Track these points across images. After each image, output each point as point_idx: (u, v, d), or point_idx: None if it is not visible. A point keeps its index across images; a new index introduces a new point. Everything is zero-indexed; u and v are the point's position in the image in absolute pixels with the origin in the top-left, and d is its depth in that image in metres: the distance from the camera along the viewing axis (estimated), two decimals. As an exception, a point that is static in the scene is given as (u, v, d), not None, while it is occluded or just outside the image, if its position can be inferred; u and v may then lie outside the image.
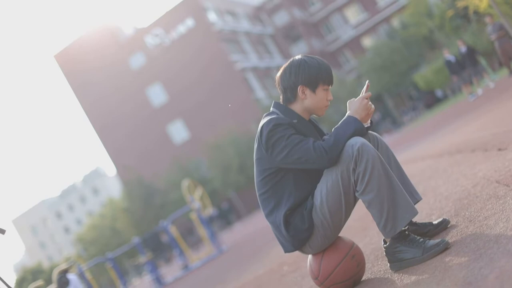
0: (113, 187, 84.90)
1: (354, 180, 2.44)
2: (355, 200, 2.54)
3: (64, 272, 9.43)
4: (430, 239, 2.46)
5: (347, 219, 2.57)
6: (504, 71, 17.78)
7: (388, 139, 25.62)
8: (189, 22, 45.36)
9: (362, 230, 4.23)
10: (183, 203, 33.08)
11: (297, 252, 3.35)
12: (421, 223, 2.78)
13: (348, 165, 2.42)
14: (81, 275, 13.35)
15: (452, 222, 2.76)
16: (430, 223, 2.77)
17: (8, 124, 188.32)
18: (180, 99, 45.18)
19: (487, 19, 13.79)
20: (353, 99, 2.58)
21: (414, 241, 2.43)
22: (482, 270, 1.82)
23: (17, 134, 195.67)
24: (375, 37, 49.84)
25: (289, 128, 2.49)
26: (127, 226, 42.64)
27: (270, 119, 2.52)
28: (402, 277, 2.32)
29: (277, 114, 2.58)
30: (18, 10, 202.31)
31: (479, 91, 15.59)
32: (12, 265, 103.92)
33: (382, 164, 2.41)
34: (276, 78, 2.67)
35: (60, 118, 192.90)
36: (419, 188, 4.45)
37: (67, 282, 9.20)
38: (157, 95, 46.24)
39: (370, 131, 2.67)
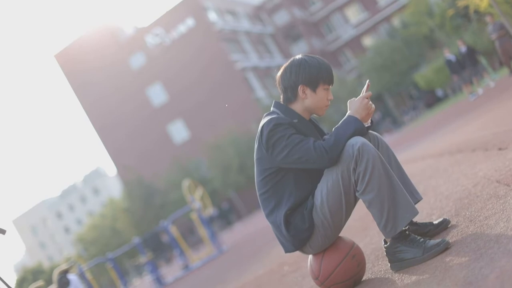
0: (113, 187, 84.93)
1: (355, 180, 2.44)
2: (356, 200, 2.53)
3: (65, 272, 9.43)
4: (430, 239, 2.46)
5: (347, 219, 2.57)
6: (505, 71, 17.78)
7: (388, 139, 25.62)
8: (190, 22, 45.37)
9: (363, 230, 4.23)
10: (183, 203, 33.09)
11: (297, 252, 3.35)
12: (422, 223, 2.78)
13: (348, 165, 2.42)
14: (82, 275, 13.36)
15: (453, 222, 2.76)
16: (431, 223, 2.77)
17: (8, 124, 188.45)
18: (180, 99, 45.19)
19: (488, 19, 13.79)
20: (353, 98, 2.58)
21: (414, 241, 2.43)
22: (482, 270, 1.81)
23: (18, 134, 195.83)
24: (376, 37, 49.84)
25: (290, 128, 2.48)
26: (128, 226, 42.66)
27: (271, 118, 2.51)
28: (403, 277, 2.32)
29: (278, 113, 2.58)
30: (19, 10, 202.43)
31: (480, 90, 15.59)
32: (12, 265, 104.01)
33: (382, 164, 2.41)
34: (277, 78, 2.67)
35: (60, 118, 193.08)
36: (420, 188, 4.44)
37: (67, 282, 9.20)
38: (157, 95, 46.26)
39: (370, 131, 2.67)
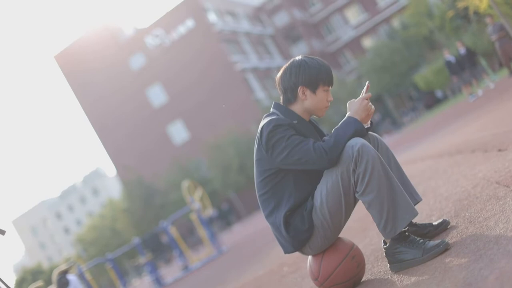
0: (113, 187, 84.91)
1: (354, 181, 2.44)
2: (355, 201, 2.53)
3: (64, 272, 9.42)
4: (430, 240, 2.46)
5: (347, 220, 2.57)
6: (504, 72, 17.79)
7: (388, 140, 25.62)
8: (189, 23, 45.38)
9: (362, 231, 4.23)
10: (183, 204, 33.08)
11: (297, 253, 3.35)
12: (421, 224, 2.78)
13: (348, 166, 2.42)
14: (81, 276, 13.35)
15: (452, 223, 2.76)
16: (430, 224, 2.77)
17: (8, 124, 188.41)
18: (180, 100, 45.19)
19: (488, 20, 13.80)
20: (353, 100, 2.58)
21: (414, 242, 2.43)
22: (482, 271, 1.82)
23: (17, 134, 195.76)
24: (375, 38, 49.86)
25: (289, 129, 2.49)
26: (127, 227, 42.63)
27: (270, 120, 2.52)
28: (402, 278, 2.32)
29: (277, 115, 2.58)
30: (19, 11, 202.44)
31: (479, 91, 15.60)
32: (12, 265, 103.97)
33: (382, 165, 2.41)
34: (276, 79, 2.67)
35: (60, 119, 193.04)
36: (419, 189, 4.45)
37: (67, 282, 9.20)
38: (157, 95, 46.26)
39: (370, 132, 2.67)
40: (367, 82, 2.64)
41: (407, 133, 23.60)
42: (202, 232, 14.51)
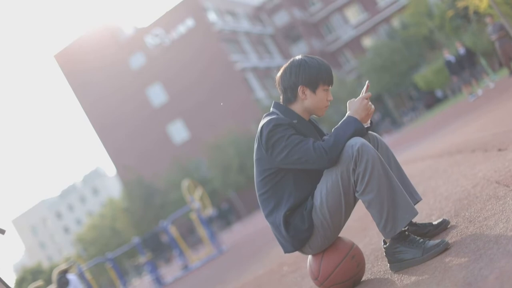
0: (113, 187, 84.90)
1: (354, 181, 2.44)
2: (355, 201, 2.53)
3: (64, 272, 9.43)
4: (430, 240, 2.46)
5: (347, 220, 2.57)
6: (504, 72, 17.79)
7: (388, 140, 25.62)
8: (189, 22, 45.37)
9: (362, 230, 4.23)
10: (183, 203, 33.08)
11: (297, 253, 3.35)
12: (421, 224, 2.78)
13: (348, 166, 2.42)
14: (81, 275, 13.35)
15: (452, 223, 2.76)
16: (430, 224, 2.77)
17: (8, 124, 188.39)
18: (180, 99, 45.19)
19: (488, 20, 13.80)
20: (353, 99, 2.58)
21: (414, 241, 2.43)
22: (482, 271, 1.82)
23: (17, 134, 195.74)
24: (375, 37, 49.85)
25: (289, 129, 2.49)
26: (127, 226, 42.64)
27: (270, 119, 2.51)
28: (402, 278, 2.32)
29: (277, 114, 2.58)
30: (19, 10, 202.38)
31: (479, 91, 15.60)
32: (12, 265, 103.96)
33: (382, 165, 2.41)
34: (276, 78, 2.67)
35: (60, 118, 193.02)
36: (419, 189, 4.45)
37: (67, 282, 9.20)
38: (157, 95, 46.25)
39: (370, 132, 2.67)
40: (367, 82, 2.64)
41: (407, 132, 23.60)
42: (202, 231, 14.51)
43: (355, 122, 2.48)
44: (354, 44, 52.17)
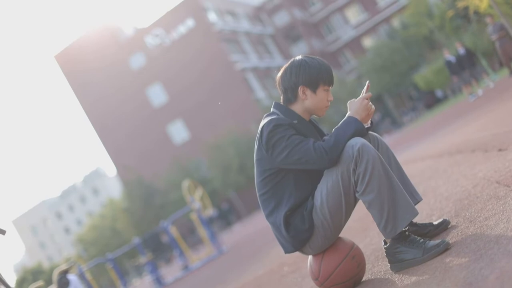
0: (113, 187, 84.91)
1: (354, 181, 2.44)
2: (355, 201, 2.53)
3: (64, 272, 9.43)
4: (430, 240, 2.46)
5: (347, 220, 2.57)
6: (505, 72, 17.79)
7: (388, 140, 25.62)
8: (189, 22, 45.37)
9: (363, 230, 4.23)
10: (183, 204, 33.09)
11: (297, 253, 3.35)
12: (422, 224, 2.78)
13: (348, 166, 2.42)
14: (81, 276, 13.35)
15: (453, 223, 2.76)
16: (431, 224, 2.77)
17: (8, 124, 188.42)
18: (180, 99, 45.20)
19: (488, 20, 13.80)
20: (353, 99, 2.58)
21: (414, 241, 2.43)
22: (482, 271, 1.82)
23: (18, 134, 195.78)
24: (376, 37, 49.86)
25: (290, 129, 2.49)
26: (127, 227, 42.64)
27: (271, 119, 2.51)
28: (403, 278, 2.32)
29: (278, 114, 2.58)
30: (19, 10, 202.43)
31: (480, 91, 15.61)
32: (12, 265, 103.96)
33: (382, 165, 2.41)
34: (277, 79, 2.67)
35: (60, 118, 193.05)
36: (419, 189, 4.44)
37: (67, 282, 9.20)
38: (157, 95, 46.26)
39: (370, 132, 2.67)
40: (367, 82, 2.64)
41: (407, 132, 23.60)
42: (202, 231, 14.51)
43: (356, 122, 2.48)
44: (354, 44, 52.17)
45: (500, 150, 4.05)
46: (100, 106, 47.12)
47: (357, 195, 2.46)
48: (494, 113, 7.60)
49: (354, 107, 2.54)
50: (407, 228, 2.59)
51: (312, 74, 2.56)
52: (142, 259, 14.64)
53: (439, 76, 30.93)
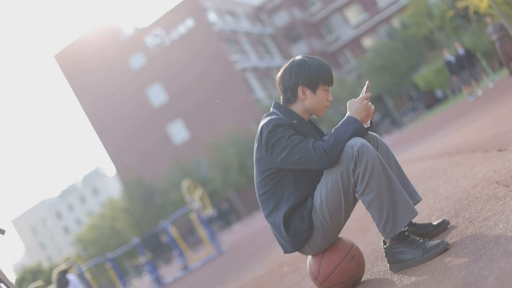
0: (113, 187, 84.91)
1: (354, 181, 2.44)
2: (355, 201, 2.53)
3: (64, 272, 9.42)
4: (430, 240, 2.46)
5: (346, 220, 2.57)
6: (505, 72, 17.79)
7: (388, 140, 25.62)
8: (189, 22, 45.37)
9: (362, 231, 4.23)
10: (183, 204, 33.08)
11: (296, 253, 3.35)
12: (421, 224, 2.78)
13: (348, 166, 2.42)
14: (81, 276, 13.35)
15: (452, 223, 2.75)
16: (430, 224, 2.77)
17: (8, 124, 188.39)
18: (180, 99, 45.19)
19: (488, 20, 13.80)
20: (353, 99, 2.58)
21: (414, 242, 2.43)
22: (482, 271, 1.81)
23: (17, 134, 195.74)
24: (375, 38, 49.86)
25: (289, 129, 2.48)
26: (127, 226, 42.63)
27: (270, 119, 2.51)
28: (402, 278, 2.32)
29: (277, 114, 2.58)
30: (19, 10, 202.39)
31: (479, 91, 15.61)
32: (11, 265, 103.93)
33: (382, 165, 2.41)
34: (276, 79, 2.67)
35: (60, 118, 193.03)
36: (419, 189, 4.44)
37: (66, 282, 9.20)
38: (157, 95, 46.26)
39: (370, 132, 2.67)
40: (367, 82, 2.64)
41: (407, 133, 23.59)
42: (202, 231, 14.51)
43: (355, 123, 2.48)
44: (354, 44, 52.17)
45: (500, 150, 4.05)
46: (100, 106, 47.11)
47: (356, 195, 2.46)
48: (493, 113, 7.60)
49: (354, 107, 2.54)
50: (406, 228, 2.59)
51: (312, 74, 2.56)
52: (142, 259, 14.63)
53: (439, 76, 30.93)
